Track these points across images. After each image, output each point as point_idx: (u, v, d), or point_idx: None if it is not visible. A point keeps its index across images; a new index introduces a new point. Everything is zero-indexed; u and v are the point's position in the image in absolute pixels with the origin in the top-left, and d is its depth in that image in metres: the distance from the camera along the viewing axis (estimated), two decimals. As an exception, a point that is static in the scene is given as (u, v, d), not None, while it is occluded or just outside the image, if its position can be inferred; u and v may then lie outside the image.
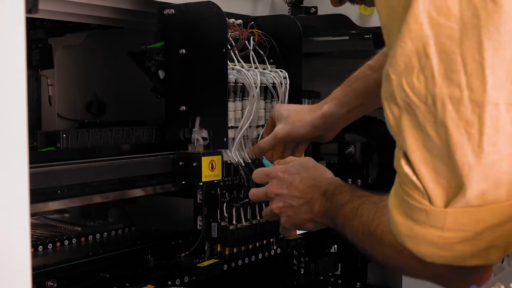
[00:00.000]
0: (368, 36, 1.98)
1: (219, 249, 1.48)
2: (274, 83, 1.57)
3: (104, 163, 1.33)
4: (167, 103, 1.51)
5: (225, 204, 1.46)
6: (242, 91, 1.52)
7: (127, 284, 1.34)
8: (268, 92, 1.59)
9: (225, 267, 1.47)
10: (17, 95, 0.61)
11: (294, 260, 1.73)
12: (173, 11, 1.47)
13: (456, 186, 0.76)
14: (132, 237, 1.60)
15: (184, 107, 1.48)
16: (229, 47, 1.47)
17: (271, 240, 1.61)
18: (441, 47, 0.73)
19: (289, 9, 1.75)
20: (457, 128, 0.73)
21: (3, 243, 0.60)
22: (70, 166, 1.26)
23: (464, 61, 0.72)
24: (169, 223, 1.76)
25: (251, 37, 1.56)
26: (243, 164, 1.50)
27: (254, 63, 1.56)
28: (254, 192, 1.29)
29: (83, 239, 1.52)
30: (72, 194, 1.27)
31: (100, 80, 1.96)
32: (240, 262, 1.51)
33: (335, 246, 1.87)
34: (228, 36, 1.46)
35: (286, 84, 1.59)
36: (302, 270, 1.74)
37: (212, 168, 1.41)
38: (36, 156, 1.27)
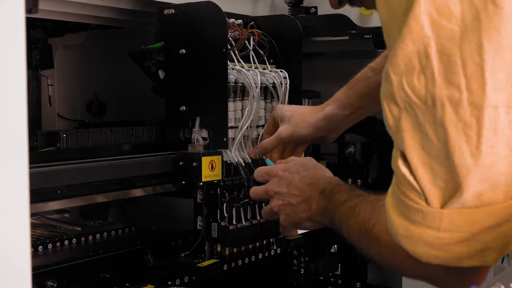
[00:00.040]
0: (368, 36, 1.99)
1: (219, 249, 1.48)
2: (274, 83, 1.57)
3: (104, 163, 1.33)
4: (167, 103, 1.51)
5: (225, 204, 1.46)
6: (242, 91, 1.52)
7: (127, 284, 1.34)
8: (268, 92, 1.59)
9: (225, 267, 1.47)
10: (17, 95, 0.61)
11: (294, 260, 1.73)
12: (173, 11, 1.47)
13: (453, 187, 0.76)
14: (132, 237, 1.60)
15: (184, 107, 1.48)
16: (229, 47, 1.47)
17: (271, 240, 1.61)
18: (441, 49, 0.73)
19: (289, 9, 1.75)
20: (456, 130, 0.73)
21: (3, 243, 0.60)
22: (70, 166, 1.26)
23: (464, 63, 0.72)
24: (169, 223, 1.76)
25: (251, 37, 1.56)
26: (243, 164, 1.50)
27: (254, 63, 1.56)
28: (254, 190, 1.29)
29: (83, 239, 1.52)
30: (72, 194, 1.27)
31: (100, 80, 1.96)
32: (240, 262, 1.51)
33: (335, 246, 1.87)
34: (228, 36, 1.46)
35: (286, 84, 1.59)
36: (302, 270, 1.74)
37: (212, 168, 1.41)
38: (36, 156, 1.27)
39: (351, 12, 1.70)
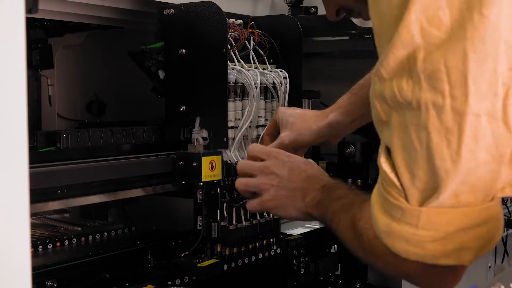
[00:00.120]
0: (368, 36, 1.99)
1: (219, 249, 1.48)
2: (274, 83, 1.57)
3: (104, 163, 1.33)
4: (167, 103, 1.51)
5: (225, 204, 1.46)
6: (242, 91, 1.52)
7: (127, 284, 1.34)
8: (268, 92, 1.59)
9: (225, 267, 1.47)
10: (17, 95, 0.61)
11: (294, 260, 1.73)
12: (173, 11, 1.47)
13: (432, 188, 0.78)
14: (132, 237, 1.60)
15: (184, 107, 1.48)
16: (229, 47, 1.47)
17: (271, 240, 1.61)
18: (428, 56, 0.75)
19: (289, 9, 1.75)
20: (438, 134, 0.75)
21: (3, 243, 0.60)
22: (70, 166, 1.26)
23: (448, 70, 0.74)
24: (169, 223, 1.76)
25: (251, 37, 1.56)
26: (243, 164, 1.50)
27: (254, 63, 1.56)
28: (245, 163, 1.22)
29: (83, 239, 1.52)
30: (72, 194, 1.27)
31: (100, 80, 1.96)
32: (240, 262, 1.51)
33: (335, 246, 1.87)
34: (228, 36, 1.46)
35: (286, 84, 1.59)
36: (302, 270, 1.74)
37: (212, 168, 1.41)
38: (36, 156, 1.27)
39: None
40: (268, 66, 1.61)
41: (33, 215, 1.59)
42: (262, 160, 1.21)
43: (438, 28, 0.74)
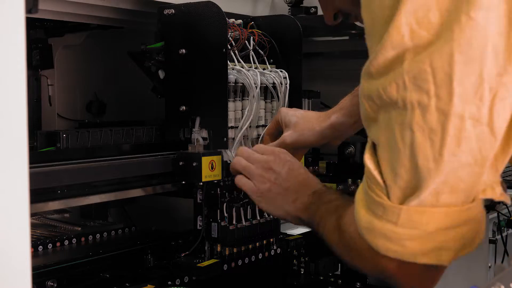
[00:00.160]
0: (368, 36, 1.98)
1: (219, 249, 1.48)
2: (274, 83, 1.57)
3: (104, 163, 1.33)
4: (167, 103, 1.51)
5: (225, 204, 1.46)
6: (242, 91, 1.52)
7: (127, 284, 1.34)
8: (268, 92, 1.59)
9: (225, 267, 1.47)
10: (17, 95, 0.61)
11: (294, 260, 1.73)
12: (173, 11, 1.47)
13: (413, 187, 0.78)
14: (132, 237, 1.60)
15: (184, 107, 1.48)
16: (229, 47, 1.47)
17: (271, 240, 1.61)
18: (416, 56, 0.75)
19: (289, 9, 1.75)
20: (422, 133, 0.76)
21: (3, 243, 0.60)
22: (70, 166, 1.26)
23: (434, 71, 0.74)
24: (169, 223, 1.76)
25: (251, 37, 1.56)
26: (243, 164, 1.50)
27: (254, 63, 1.56)
28: (248, 151, 1.23)
29: (83, 239, 1.52)
30: (72, 194, 1.27)
31: (100, 80, 1.96)
32: (240, 262, 1.51)
33: (335, 246, 1.87)
34: (228, 36, 1.46)
35: (286, 84, 1.59)
36: (302, 270, 1.74)
37: (212, 168, 1.41)
38: (36, 156, 1.27)
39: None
40: (268, 66, 1.61)
41: (33, 215, 1.59)
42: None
43: (427, 30, 0.74)
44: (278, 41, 1.62)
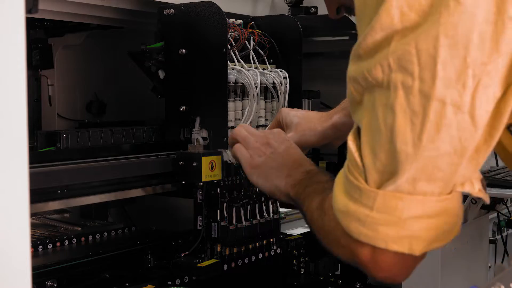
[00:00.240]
0: (368, 36, 1.98)
1: (219, 249, 1.48)
2: (274, 83, 1.57)
3: (104, 163, 1.33)
4: (167, 103, 1.51)
5: (225, 204, 1.46)
6: (242, 91, 1.52)
7: (127, 284, 1.34)
8: (268, 92, 1.59)
9: (225, 267, 1.47)
10: (17, 95, 0.61)
11: (294, 260, 1.73)
12: (173, 11, 1.47)
13: (391, 172, 0.78)
14: (132, 237, 1.60)
15: (184, 107, 1.48)
16: (229, 47, 1.47)
17: (271, 240, 1.61)
18: (403, 38, 0.75)
19: (289, 9, 1.75)
20: (404, 115, 0.75)
21: (3, 243, 0.60)
22: (70, 166, 1.26)
23: (418, 53, 0.74)
24: (169, 223, 1.76)
25: (251, 37, 1.56)
26: (243, 164, 1.50)
27: (254, 63, 1.56)
28: (248, 126, 1.25)
29: (83, 239, 1.52)
30: (72, 194, 1.27)
31: (100, 80, 1.96)
32: (240, 262, 1.51)
33: (335, 246, 1.87)
34: (228, 36, 1.46)
35: (286, 84, 1.59)
36: (302, 270, 1.74)
37: (212, 168, 1.41)
38: (36, 156, 1.27)
39: (350, 12, 1.70)
40: (268, 66, 1.61)
41: (33, 215, 1.59)
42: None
43: (417, 13, 0.74)
44: (278, 41, 1.62)
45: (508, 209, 2.40)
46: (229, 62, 1.47)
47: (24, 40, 0.61)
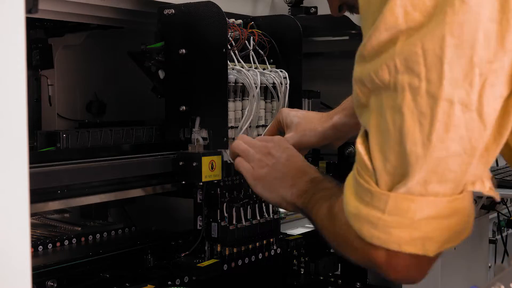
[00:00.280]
0: (368, 36, 1.98)
1: (219, 249, 1.48)
2: (274, 83, 1.57)
3: (104, 163, 1.33)
4: (167, 103, 1.51)
5: (225, 204, 1.46)
6: (242, 91, 1.52)
7: (127, 284, 1.34)
8: (268, 92, 1.59)
9: (225, 267, 1.47)
10: (17, 95, 0.61)
11: (294, 260, 1.73)
12: (173, 11, 1.47)
13: (401, 174, 0.78)
14: (132, 237, 1.60)
15: (184, 107, 1.48)
16: (229, 47, 1.47)
17: (271, 240, 1.61)
18: (408, 39, 0.75)
19: (289, 9, 1.75)
20: (412, 116, 0.75)
21: (3, 243, 0.60)
22: (70, 166, 1.26)
23: (425, 53, 0.74)
24: (169, 223, 1.76)
25: (251, 37, 1.56)
26: (243, 164, 1.50)
27: (254, 63, 1.56)
28: (247, 137, 1.22)
29: (83, 239, 1.52)
30: (72, 194, 1.27)
31: (100, 80, 1.96)
32: (240, 262, 1.51)
33: (335, 246, 1.87)
34: (228, 36, 1.46)
35: (286, 84, 1.59)
36: (302, 270, 1.74)
37: (212, 168, 1.41)
38: (36, 156, 1.27)
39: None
40: (268, 66, 1.61)
41: (33, 215, 1.59)
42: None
43: (421, 13, 0.74)
44: (278, 41, 1.62)
45: (508, 209, 2.40)
46: (229, 62, 1.47)
47: (24, 40, 0.61)
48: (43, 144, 1.33)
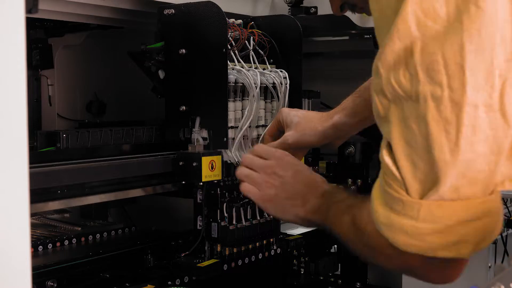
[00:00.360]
0: (368, 36, 1.99)
1: (219, 249, 1.48)
2: (274, 83, 1.57)
3: (104, 163, 1.33)
4: (167, 103, 1.51)
5: (225, 204, 1.46)
6: (242, 91, 1.52)
7: (127, 284, 1.34)
8: (268, 92, 1.59)
9: (225, 267, 1.47)
10: (17, 95, 0.61)
11: (294, 260, 1.73)
12: (173, 11, 1.47)
13: (432, 180, 0.78)
14: (132, 237, 1.60)
15: (184, 107, 1.48)
16: (229, 47, 1.47)
17: (271, 240, 1.61)
18: (425, 48, 0.76)
19: (289, 9, 1.75)
20: (437, 125, 0.76)
21: (3, 243, 0.60)
22: (70, 166, 1.26)
23: (445, 62, 0.75)
24: (169, 223, 1.76)
25: (251, 37, 1.56)
26: (243, 164, 1.50)
27: (254, 63, 1.56)
28: (250, 157, 1.19)
29: (83, 239, 1.52)
30: (72, 194, 1.27)
31: (100, 80, 1.96)
32: (240, 262, 1.51)
33: (335, 246, 1.87)
34: (228, 36, 1.46)
35: (286, 84, 1.59)
36: (302, 270, 1.74)
37: (212, 168, 1.41)
38: (36, 156, 1.27)
39: (351, 12, 1.70)
40: (268, 66, 1.61)
41: (33, 215, 1.59)
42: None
43: (434, 20, 0.75)
44: (278, 41, 1.62)
45: (508, 209, 2.39)
46: (229, 62, 1.47)
47: (24, 40, 0.61)
48: (43, 144, 1.33)
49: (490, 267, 2.40)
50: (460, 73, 0.74)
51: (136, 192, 1.42)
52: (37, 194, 1.19)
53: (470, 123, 0.75)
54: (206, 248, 1.48)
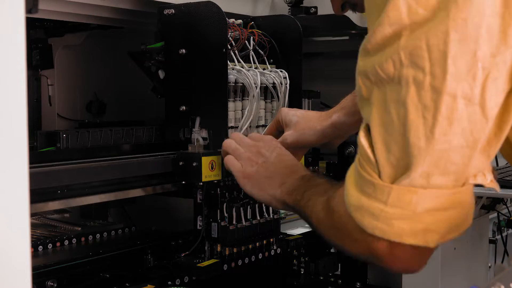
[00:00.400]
0: (368, 36, 1.98)
1: (219, 249, 1.48)
2: (274, 83, 1.57)
3: (104, 163, 1.33)
4: (167, 103, 1.51)
5: (225, 204, 1.46)
6: (242, 91, 1.52)
7: (127, 284, 1.34)
8: (268, 92, 1.59)
9: (225, 267, 1.47)
10: (17, 95, 0.61)
11: (294, 260, 1.73)
12: (173, 11, 1.47)
13: (404, 166, 0.79)
14: (132, 237, 1.60)
15: (184, 107, 1.48)
16: (229, 47, 1.47)
17: (271, 240, 1.61)
18: (412, 33, 0.76)
19: (289, 9, 1.75)
20: (416, 110, 0.76)
21: (3, 243, 0.60)
22: (70, 166, 1.26)
23: (429, 48, 0.75)
24: (169, 223, 1.76)
25: (251, 37, 1.56)
26: (243, 164, 1.50)
27: (254, 63, 1.56)
28: (239, 135, 1.25)
29: (83, 239, 1.52)
30: (72, 194, 1.27)
31: (100, 80, 1.96)
32: (240, 262, 1.51)
33: (335, 246, 1.87)
34: (228, 36, 1.46)
35: (286, 84, 1.59)
36: (302, 270, 1.74)
37: (212, 168, 1.41)
38: (36, 156, 1.27)
39: (351, 12, 1.70)
40: (268, 66, 1.61)
41: (33, 215, 1.59)
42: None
43: (424, 7, 0.75)
44: (278, 41, 1.62)
45: (508, 209, 2.39)
46: (229, 62, 1.47)
47: (24, 40, 0.61)
48: (43, 144, 1.33)
49: (490, 267, 2.40)
50: (443, 61, 0.74)
51: (136, 192, 1.42)
52: (37, 194, 1.19)
53: (447, 114, 0.75)
54: (206, 248, 1.48)
